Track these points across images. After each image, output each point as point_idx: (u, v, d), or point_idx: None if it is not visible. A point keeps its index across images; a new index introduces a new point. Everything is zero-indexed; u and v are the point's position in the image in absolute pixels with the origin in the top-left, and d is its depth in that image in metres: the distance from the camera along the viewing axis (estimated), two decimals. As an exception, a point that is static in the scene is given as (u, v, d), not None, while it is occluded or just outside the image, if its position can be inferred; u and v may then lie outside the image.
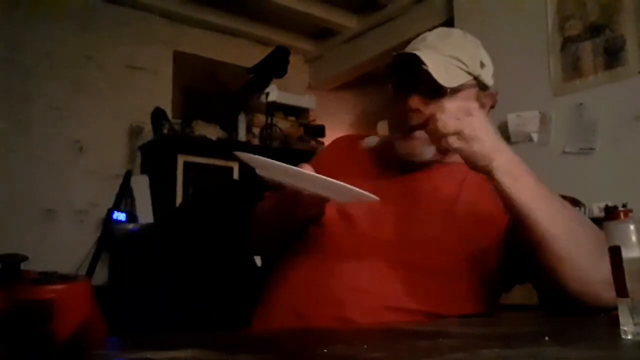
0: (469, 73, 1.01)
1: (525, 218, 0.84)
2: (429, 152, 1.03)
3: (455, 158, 1.03)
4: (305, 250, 1.03)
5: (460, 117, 0.81)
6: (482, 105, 1.05)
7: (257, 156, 0.79)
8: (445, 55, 0.99)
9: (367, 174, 1.11)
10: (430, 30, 1.09)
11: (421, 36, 1.07)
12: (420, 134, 0.99)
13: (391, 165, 1.11)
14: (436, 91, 0.99)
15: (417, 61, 0.96)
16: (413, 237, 0.99)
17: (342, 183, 0.80)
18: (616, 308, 0.56)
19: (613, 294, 0.85)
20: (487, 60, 1.10)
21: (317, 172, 1.14)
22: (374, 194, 1.06)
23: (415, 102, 0.99)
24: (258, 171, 0.84)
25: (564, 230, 0.84)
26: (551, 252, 0.83)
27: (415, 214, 1.02)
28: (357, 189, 0.82)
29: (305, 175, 0.82)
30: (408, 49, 1.03)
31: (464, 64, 1.01)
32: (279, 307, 0.99)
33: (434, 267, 0.96)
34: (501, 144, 0.85)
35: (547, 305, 0.94)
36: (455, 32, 1.08)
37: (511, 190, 0.84)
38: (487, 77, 1.08)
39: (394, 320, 0.89)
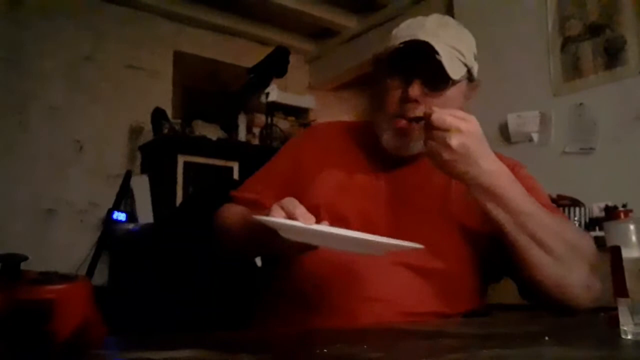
0: (465, 65, 0.98)
1: (503, 233, 0.86)
2: (418, 146, 0.99)
3: None
4: (300, 257, 0.98)
5: (457, 117, 0.81)
6: (467, 97, 1.03)
7: (281, 220, 0.73)
8: (448, 45, 0.95)
9: (352, 167, 1.07)
10: None
11: (416, 21, 1.01)
12: (411, 126, 0.96)
13: (376, 156, 1.06)
14: (437, 82, 0.96)
15: (427, 49, 0.92)
16: (408, 238, 0.98)
17: (384, 239, 0.73)
18: (615, 308, 0.56)
19: (591, 295, 0.87)
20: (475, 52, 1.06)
21: (298, 168, 1.09)
22: (363, 191, 1.03)
23: (415, 91, 0.94)
24: (282, 233, 0.75)
25: (540, 241, 0.86)
26: (525, 260, 0.86)
27: (409, 214, 1.00)
28: (400, 242, 0.76)
29: (340, 236, 0.73)
30: (406, 35, 0.97)
31: (463, 55, 0.97)
32: (282, 318, 0.97)
33: (433, 269, 0.95)
34: (491, 155, 0.85)
35: (527, 297, 0.95)
36: (451, 21, 1.03)
37: (488, 208, 0.86)
38: (476, 70, 1.04)
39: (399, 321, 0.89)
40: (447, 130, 0.81)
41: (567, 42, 2.63)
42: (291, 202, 0.78)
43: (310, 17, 3.98)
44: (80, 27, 3.44)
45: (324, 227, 0.74)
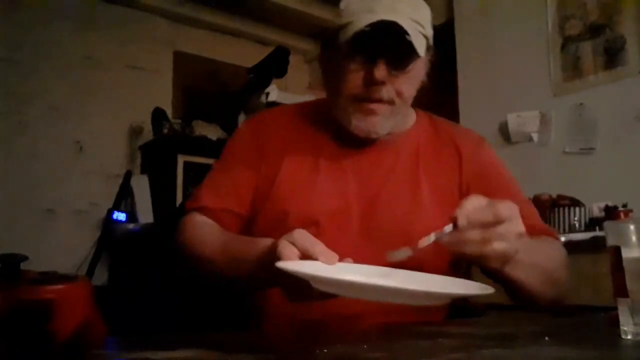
0: (425, 37, 0.92)
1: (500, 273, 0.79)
2: (387, 127, 0.95)
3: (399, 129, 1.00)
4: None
5: (488, 226, 0.68)
6: (426, 68, 0.98)
7: (309, 270, 0.63)
8: (410, 19, 0.89)
9: (313, 158, 1.00)
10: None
11: None
12: (379, 107, 0.92)
13: (337, 141, 1.01)
14: (402, 59, 0.91)
15: (393, 29, 0.86)
16: (383, 232, 0.93)
17: (451, 288, 0.64)
18: (615, 308, 0.56)
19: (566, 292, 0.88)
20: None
21: (258, 166, 0.98)
22: (331, 185, 0.96)
23: (381, 73, 0.89)
24: (314, 285, 0.63)
25: (528, 281, 0.83)
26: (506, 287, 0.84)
27: (382, 202, 0.96)
28: (454, 292, 0.66)
29: (391, 290, 0.61)
30: (361, 9, 0.89)
31: (422, 26, 0.91)
32: (279, 319, 0.93)
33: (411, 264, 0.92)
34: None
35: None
36: None
37: (505, 271, 0.77)
38: (432, 37, 0.96)
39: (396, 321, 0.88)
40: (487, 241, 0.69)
41: (567, 42, 2.63)
42: (306, 238, 0.68)
43: (310, 17, 3.97)
44: (80, 27, 3.43)
45: (375, 280, 0.62)
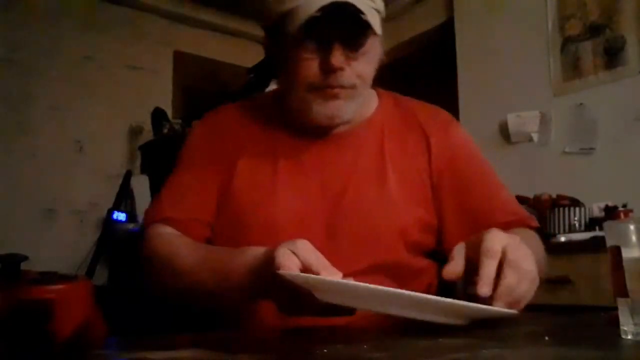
0: (378, 11, 0.85)
1: None
2: (350, 111, 0.89)
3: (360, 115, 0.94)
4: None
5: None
6: (382, 43, 0.92)
7: (312, 276, 0.59)
8: None
9: (269, 157, 0.94)
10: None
11: None
12: (340, 91, 0.86)
13: (294, 134, 0.94)
14: (358, 40, 0.84)
15: (346, 9, 0.79)
16: (347, 238, 0.88)
17: (460, 302, 0.56)
18: (615, 308, 0.56)
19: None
20: None
21: (217, 170, 0.92)
22: (288, 191, 0.88)
23: (339, 59, 0.82)
24: (318, 295, 0.60)
25: None
26: None
27: (345, 209, 0.90)
28: (484, 307, 0.58)
29: (407, 298, 0.55)
30: None
31: (373, 0, 0.84)
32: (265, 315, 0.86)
33: (385, 261, 0.88)
34: (528, 255, 0.67)
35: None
36: None
37: None
38: (383, 9, 0.88)
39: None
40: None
41: (567, 42, 2.63)
42: (309, 250, 0.65)
43: (310, 17, 3.98)
44: (80, 27, 3.43)
45: (385, 288, 0.56)
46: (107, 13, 3.55)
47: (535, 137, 2.70)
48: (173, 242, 0.90)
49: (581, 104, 2.55)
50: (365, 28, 0.82)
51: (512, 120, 2.75)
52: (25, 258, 0.45)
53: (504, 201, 0.96)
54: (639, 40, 2.37)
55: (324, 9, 0.78)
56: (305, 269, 0.63)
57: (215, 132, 1.00)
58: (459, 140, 0.99)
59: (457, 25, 3.17)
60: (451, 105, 2.97)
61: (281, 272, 0.61)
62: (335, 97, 0.86)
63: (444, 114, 1.03)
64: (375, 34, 0.83)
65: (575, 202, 2.29)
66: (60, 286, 0.44)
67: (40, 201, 3.20)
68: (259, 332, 0.80)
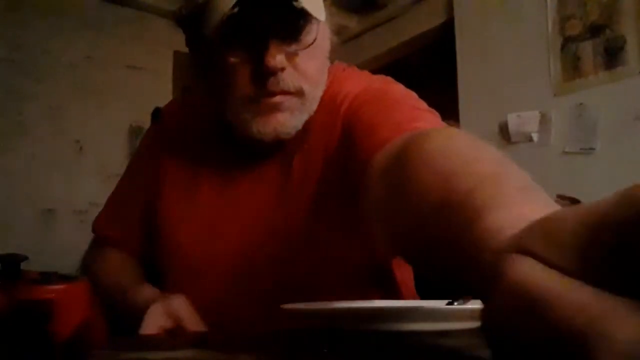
0: None
1: None
2: (299, 121, 0.72)
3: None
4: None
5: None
6: (334, 31, 0.79)
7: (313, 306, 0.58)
8: None
9: (192, 185, 0.82)
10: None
11: None
12: (284, 98, 0.69)
13: (225, 153, 0.81)
14: (297, 30, 0.68)
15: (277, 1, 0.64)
16: (260, 285, 0.78)
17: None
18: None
19: None
20: None
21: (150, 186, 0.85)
22: (205, 229, 0.79)
23: (276, 58, 0.66)
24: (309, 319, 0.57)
25: None
26: None
27: (266, 251, 0.77)
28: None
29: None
30: None
31: None
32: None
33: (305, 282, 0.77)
34: None
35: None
36: None
37: None
38: None
39: None
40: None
41: (567, 42, 2.63)
42: (182, 306, 0.66)
43: (310, 17, 3.98)
44: (80, 27, 3.43)
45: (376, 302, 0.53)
46: (107, 13, 3.55)
47: (535, 137, 2.70)
48: (104, 259, 0.92)
49: (581, 104, 2.55)
50: (304, 16, 0.67)
51: (512, 120, 2.75)
52: (25, 258, 0.45)
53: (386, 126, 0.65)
54: (639, 40, 2.37)
55: (240, 4, 0.63)
56: (177, 324, 0.66)
57: (158, 142, 0.91)
58: (382, 90, 0.77)
59: (457, 25, 3.17)
60: (451, 105, 2.97)
61: (283, 306, 0.62)
62: (276, 108, 0.69)
63: (382, 77, 0.82)
64: (318, 21, 0.69)
65: (575, 202, 2.29)
66: (60, 286, 0.44)
67: (40, 201, 3.20)
68: (259, 332, 0.80)
